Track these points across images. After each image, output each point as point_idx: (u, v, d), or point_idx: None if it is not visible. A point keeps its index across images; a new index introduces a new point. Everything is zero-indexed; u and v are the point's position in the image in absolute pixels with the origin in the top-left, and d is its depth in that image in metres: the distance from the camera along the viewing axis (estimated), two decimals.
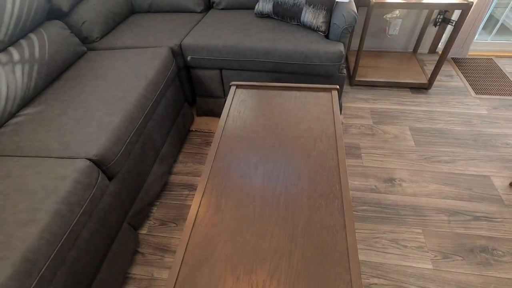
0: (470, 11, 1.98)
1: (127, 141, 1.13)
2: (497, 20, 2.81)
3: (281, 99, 1.20)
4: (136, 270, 1.18)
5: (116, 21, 1.82)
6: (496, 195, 1.35)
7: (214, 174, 0.93)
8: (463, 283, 1.08)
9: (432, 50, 2.31)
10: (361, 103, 1.91)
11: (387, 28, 2.18)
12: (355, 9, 1.46)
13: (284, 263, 0.72)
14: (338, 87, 1.22)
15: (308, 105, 1.16)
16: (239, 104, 1.20)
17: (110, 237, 1.06)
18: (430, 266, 1.13)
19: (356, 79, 2.02)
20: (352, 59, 2.25)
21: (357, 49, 2.37)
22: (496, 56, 2.24)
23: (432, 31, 2.21)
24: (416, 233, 1.24)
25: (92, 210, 0.95)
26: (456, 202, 1.33)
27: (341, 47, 1.46)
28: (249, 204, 0.84)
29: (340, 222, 0.78)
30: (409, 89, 2.00)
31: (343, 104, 1.91)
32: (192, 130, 1.80)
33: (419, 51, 2.35)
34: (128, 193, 1.17)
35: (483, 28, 2.67)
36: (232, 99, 1.23)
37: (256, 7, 1.72)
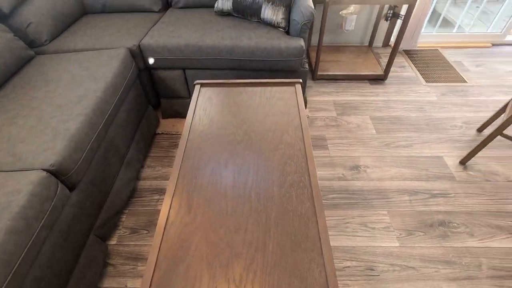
0: (416, 6, 2.13)
1: (88, 148, 1.07)
2: (440, 14, 3.06)
3: (246, 95, 1.21)
4: (108, 283, 1.13)
5: (67, 23, 1.70)
6: (449, 173, 1.48)
7: (184, 174, 0.91)
8: (426, 256, 1.17)
9: (386, 43, 2.46)
10: (324, 96, 1.99)
11: (343, 24, 2.28)
12: (312, 5, 1.51)
13: (259, 255, 0.72)
14: (301, 80, 1.25)
15: (273, 99, 1.18)
16: (205, 102, 1.19)
17: (76, 251, 0.99)
18: (396, 244, 1.21)
19: (318, 73, 2.09)
20: (313, 55, 2.32)
21: (317, 45, 2.45)
22: (441, 47, 2.44)
23: (384, 25, 2.36)
24: (382, 214, 1.32)
25: (53, 224, 0.89)
26: (415, 183, 1.44)
27: (301, 42, 1.50)
28: (221, 201, 0.84)
29: (311, 210, 0.81)
30: (367, 81, 2.11)
31: (307, 98, 1.97)
32: (158, 133, 1.75)
33: (374, 44, 2.49)
34: (93, 202, 1.11)
35: (429, 21, 2.90)
36: (197, 98, 1.21)
37: (216, 5, 1.71)
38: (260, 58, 1.52)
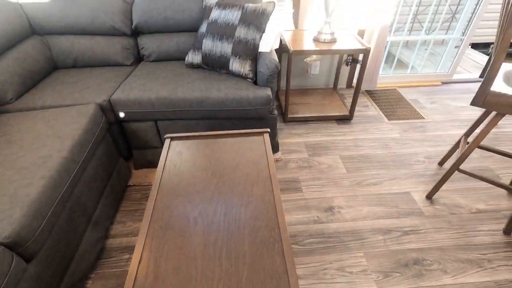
0: (371, 53, 2.35)
1: (50, 212, 1.02)
2: (395, 56, 3.39)
3: (216, 147, 1.23)
4: None
5: (36, 79, 1.70)
6: (418, 209, 1.54)
7: (151, 236, 0.89)
8: None
9: (349, 84, 2.65)
10: (296, 138, 2.06)
11: (308, 69, 2.46)
12: (276, 58, 1.63)
13: None
14: (269, 130, 1.30)
15: (243, 150, 1.21)
16: (175, 156, 1.20)
17: None
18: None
19: (288, 116, 2.19)
20: (283, 98, 2.45)
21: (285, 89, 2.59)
22: (399, 87, 2.66)
23: (346, 69, 2.56)
24: (359, 257, 1.32)
25: None
26: (387, 221, 1.47)
27: (268, 92, 1.58)
28: (190, 265, 0.81)
29: (282, 267, 0.80)
30: (335, 121, 2.23)
31: (279, 141, 2.03)
32: (130, 185, 1.70)
33: (338, 86, 2.67)
34: (54, 272, 1.03)
35: (386, 62, 3.19)
36: (167, 152, 1.22)
37: (186, 58, 1.80)
38: (230, 108, 1.58)
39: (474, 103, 1.23)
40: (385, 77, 2.69)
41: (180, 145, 1.25)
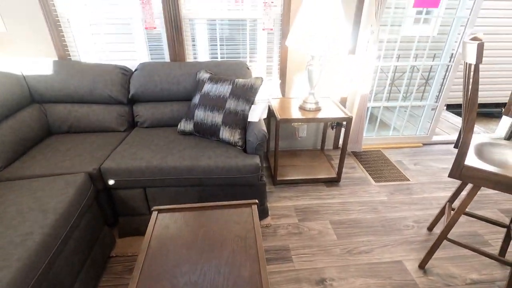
0: (354, 118, 2.51)
1: None
2: (377, 117, 3.61)
3: (203, 220, 1.23)
4: None
5: (28, 146, 1.73)
6: (411, 280, 1.49)
7: None
8: None
9: (335, 146, 2.77)
10: (285, 202, 2.06)
11: (296, 132, 2.58)
12: (264, 128, 1.72)
13: None
14: (257, 201, 1.32)
15: (230, 224, 1.20)
16: (162, 229, 1.18)
17: None
18: None
19: (278, 178, 2.22)
20: (272, 160, 2.51)
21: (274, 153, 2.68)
22: (383, 148, 2.78)
23: (331, 132, 2.69)
24: None
25: None
26: None
27: (257, 160, 1.64)
28: None
29: None
30: (324, 183, 2.26)
31: (269, 205, 2.03)
32: (113, 256, 1.62)
33: (326, 147, 2.78)
34: None
35: (370, 123, 3.37)
36: (154, 225, 1.20)
37: (179, 126, 1.88)
38: (219, 175, 1.60)
39: (451, 175, 1.29)
40: (369, 139, 2.82)
41: (167, 218, 1.24)
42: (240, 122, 1.74)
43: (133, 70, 2.07)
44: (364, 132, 2.72)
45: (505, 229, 1.77)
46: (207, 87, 1.82)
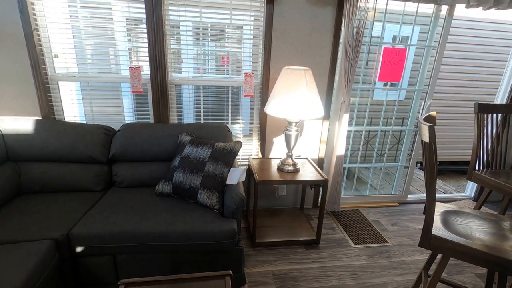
0: (330, 180, 2.59)
1: None
2: (354, 174, 3.73)
3: None
4: None
5: None
6: None
7: None
8: None
9: (315, 205, 2.79)
10: (263, 267, 1.99)
11: (276, 191, 2.61)
12: (242, 192, 1.75)
13: None
14: (230, 272, 1.27)
15: None
16: None
17: None
18: None
19: (256, 241, 2.17)
20: (251, 219, 2.48)
21: (253, 214, 2.66)
22: (361, 207, 2.83)
23: (310, 192, 2.74)
24: None
25: None
26: None
27: (234, 225, 1.62)
28: None
29: None
30: (303, 246, 2.23)
31: (246, 271, 1.94)
32: None
33: (305, 206, 2.79)
34: None
35: (348, 179, 3.47)
36: None
37: (157, 187, 1.87)
38: (194, 242, 1.56)
39: (421, 245, 1.33)
40: (347, 198, 2.88)
41: None
42: (218, 185, 1.76)
43: (117, 130, 2.12)
44: (342, 190, 2.79)
45: None
46: (187, 149, 1.87)
